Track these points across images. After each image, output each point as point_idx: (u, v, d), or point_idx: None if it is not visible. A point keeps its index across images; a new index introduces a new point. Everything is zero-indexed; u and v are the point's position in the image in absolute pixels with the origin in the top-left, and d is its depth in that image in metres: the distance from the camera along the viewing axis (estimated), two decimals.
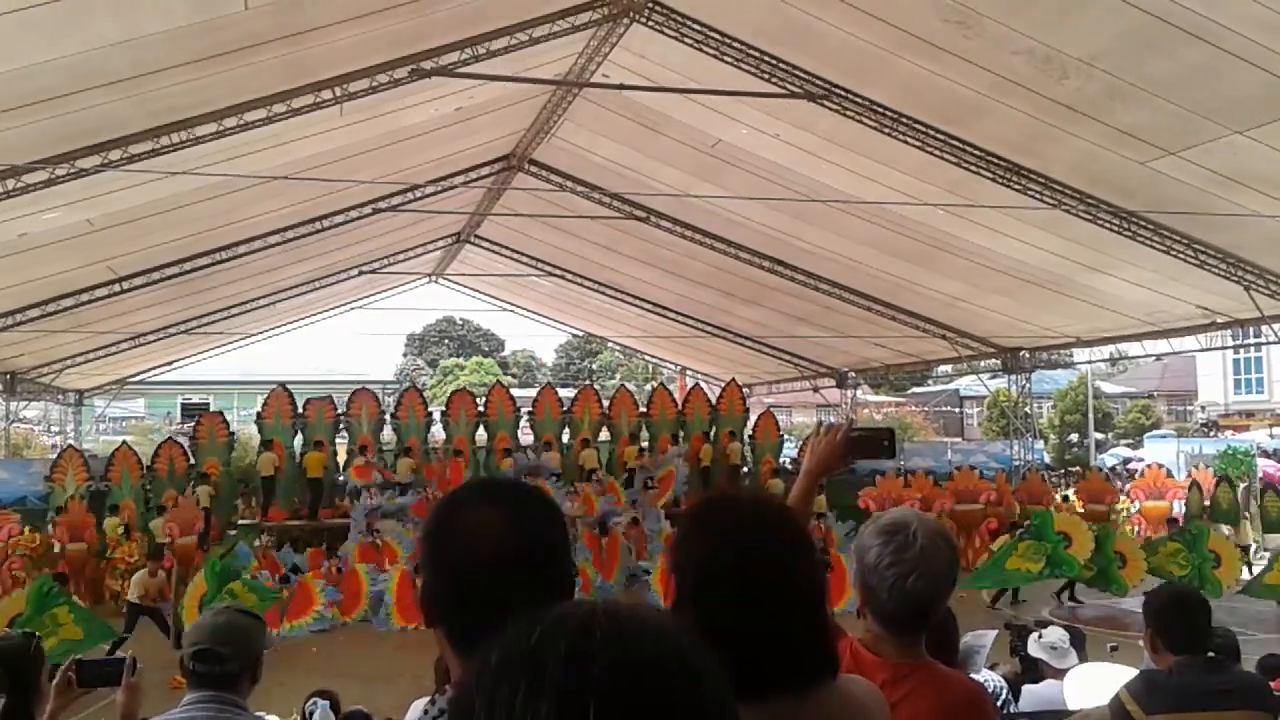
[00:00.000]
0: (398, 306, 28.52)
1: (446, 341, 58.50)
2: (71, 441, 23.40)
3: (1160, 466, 21.97)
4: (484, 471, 18.86)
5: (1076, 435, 39.43)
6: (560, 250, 21.24)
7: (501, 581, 1.28)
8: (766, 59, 11.74)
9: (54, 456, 19.68)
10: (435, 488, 16.80)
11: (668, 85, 12.66)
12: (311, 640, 13.28)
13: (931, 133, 12.29)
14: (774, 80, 11.94)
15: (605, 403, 21.39)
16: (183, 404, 42.04)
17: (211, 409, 27.48)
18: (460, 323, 57.59)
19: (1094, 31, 9.45)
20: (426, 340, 58.31)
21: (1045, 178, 12.63)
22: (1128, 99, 10.21)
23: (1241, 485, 20.14)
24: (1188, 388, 44.57)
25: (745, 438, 21.62)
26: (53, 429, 28.08)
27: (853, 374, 26.61)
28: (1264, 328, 15.30)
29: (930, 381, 35.81)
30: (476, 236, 22.00)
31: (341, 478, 18.46)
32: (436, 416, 20.59)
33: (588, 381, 39.17)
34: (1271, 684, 3.71)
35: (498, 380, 29.11)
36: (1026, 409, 23.30)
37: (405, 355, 57.70)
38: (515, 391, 24.00)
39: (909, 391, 46.18)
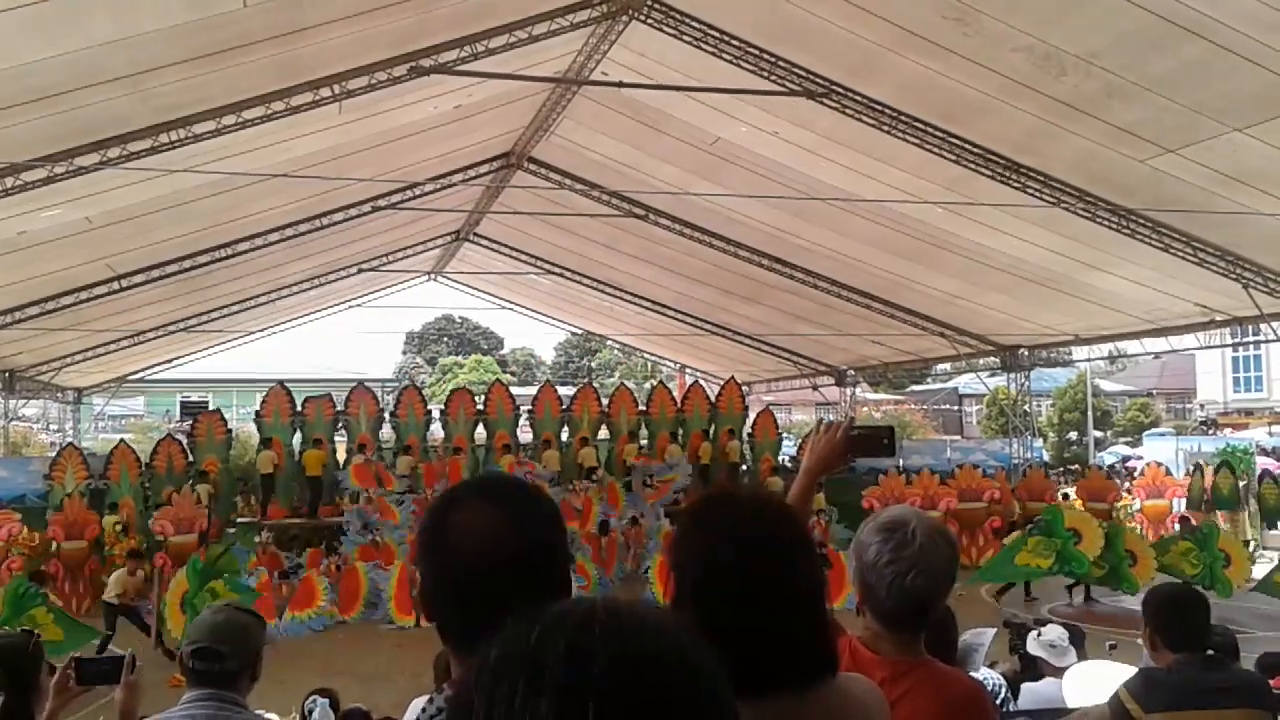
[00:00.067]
0: (397, 304, 28.56)
1: (445, 339, 58.49)
2: (70, 440, 23.40)
3: (1159, 465, 21.99)
4: (483, 469, 18.85)
5: (1075, 433, 39.45)
6: (559, 248, 21.23)
7: (496, 581, 1.28)
8: (766, 56, 11.74)
9: (53, 455, 19.66)
10: (433, 491, 16.78)
11: (667, 83, 12.65)
12: (312, 638, 13.29)
13: (930, 130, 12.28)
14: (773, 78, 11.93)
15: (604, 401, 21.43)
16: (182, 402, 42.00)
17: (210, 407, 27.45)
18: (459, 321, 57.57)
19: (1093, 29, 9.45)
20: (425, 338, 58.32)
21: (1044, 175, 12.63)
22: (1127, 96, 10.20)
23: (1241, 483, 20.15)
24: (1186, 386, 44.57)
25: (744, 436, 21.65)
26: (51, 427, 28.05)
27: (852, 372, 26.62)
28: (1263, 326, 15.28)
29: (929, 379, 35.83)
30: (475, 234, 21.99)
31: (341, 476, 18.47)
32: (435, 415, 20.60)
33: (587, 379, 39.14)
34: (1270, 682, 3.71)
35: (497, 378, 29.13)
36: (1025, 407, 23.31)
37: (404, 353, 57.71)
38: (514, 390, 24.02)
39: (908, 389, 46.17)
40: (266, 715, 4.11)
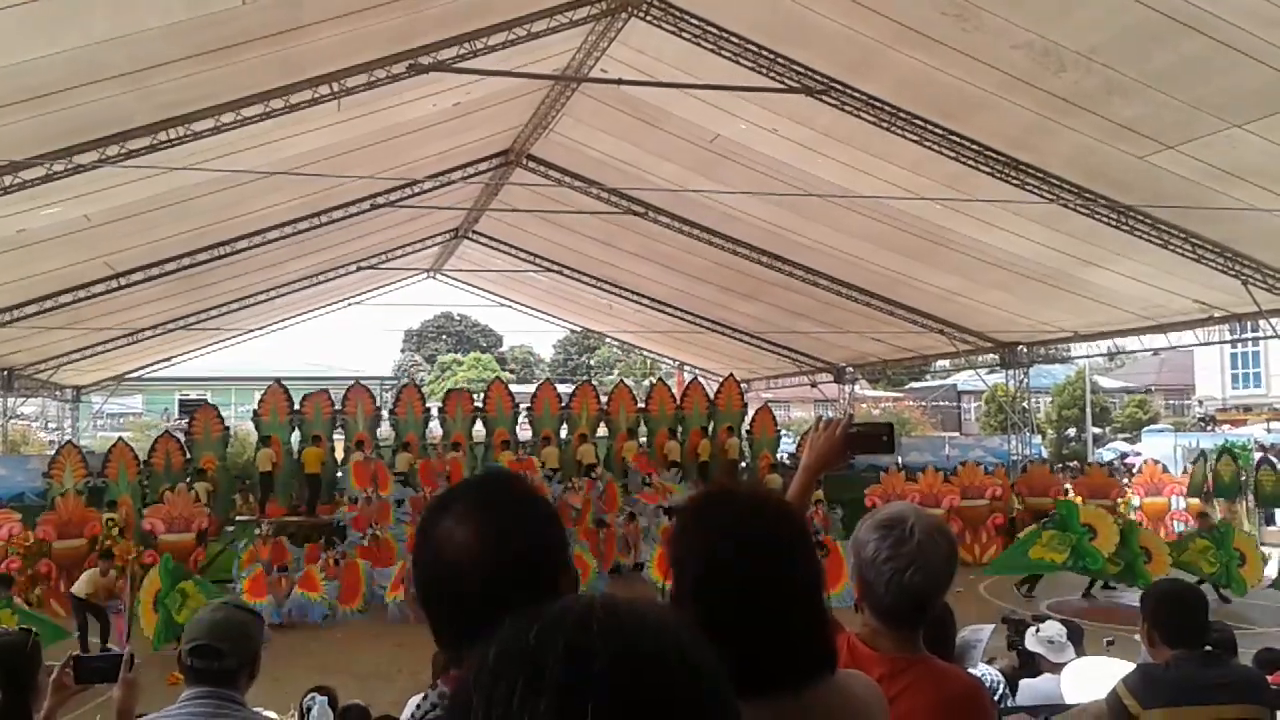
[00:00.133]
0: (396, 302, 28.53)
1: (444, 337, 58.49)
2: (69, 438, 23.39)
3: (1156, 463, 22.01)
4: (481, 467, 18.86)
5: (1074, 430, 39.49)
6: (558, 245, 21.23)
7: (485, 589, 1.27)
8: (764, 53, 11.73)
9: (52, 453, 19.65)
10: (430, 490, 16.76)
11: (666, 80, 12.63)
12: (310, 638, 13.29)
13: (929, 127, 12.28)
14: (772, 75, 11.93)
15: (603, 398, 21.44)
16: (180, 400, 42.02)
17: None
18: (458, 318, 57.57)
19: (1094, 24, 9.43)
20: (424, 336, 58.32)
21: (1043, 172, 12.63)
22: (1127, 92, 10.20)
23: (1241, 477, 20.17)
24: (1185, 382, 44.61)
25: (743, 433, 21.66)
26: (50, 425, 28.05)
27: (850, 369, 26.63)
28: (1261, 322, 15.28)
29: (928, 376, 35.75)
30: (475, 232, 21.99)
31: (340, 474, 18.46)
32: (434, 413, 20.60)
33: (586, 377, 39.19)
34: (1269, 678, 3.72)
35: (496, 376, 29.16)
36: (1024, 404, 23.32)
37: (403, 351, 57.73)
38: (513, 387, 24.03)
39: (907, 386, 46.22)
40: (265, 713, 4.10)
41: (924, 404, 41.74)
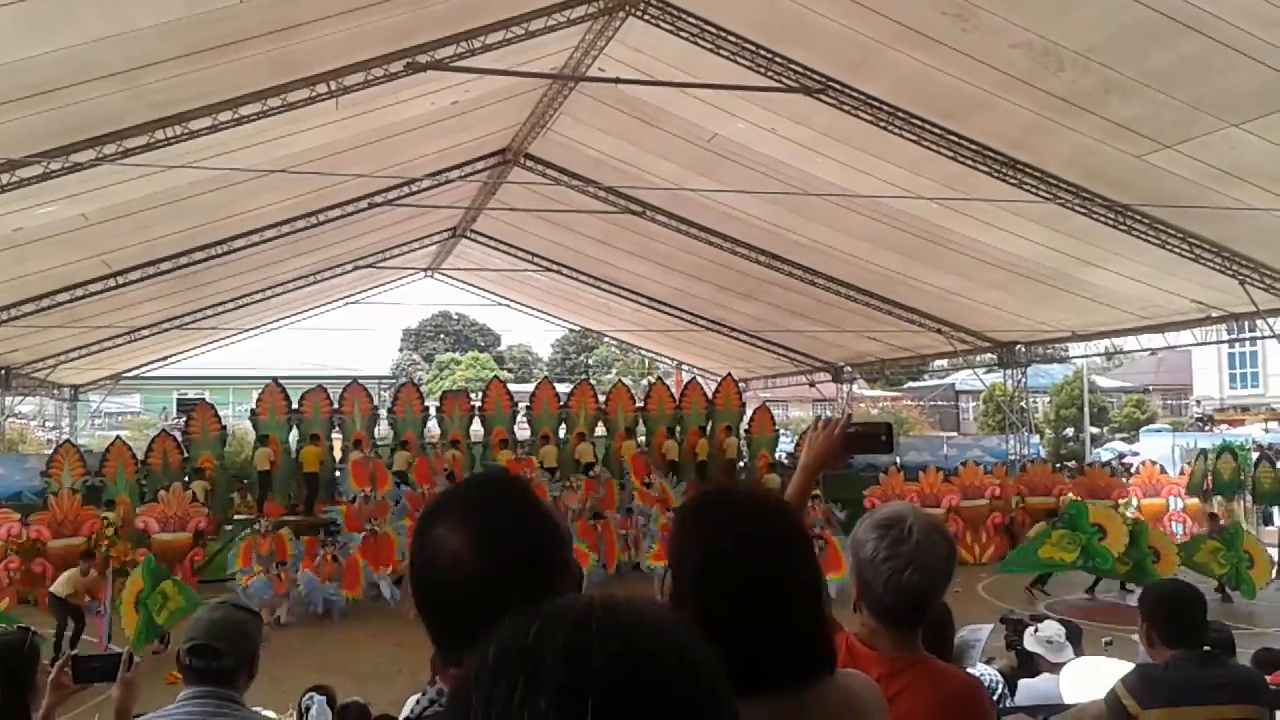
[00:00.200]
0: (394, 301, 28.52)
1: (442, 336, 58.46)
2: (67, 437, 23.37)
3: (1154, 463, 22.02)
4: (480, 466, 18.85)
5: (1072, 430, 39.51)
6: (556, 244, 21.23)
7: (477, 596, 1.26)
8: (763, 53, 11.73)
9: (50, 452, 19.63)
10: (428, 488, 16.77)
11: (664, 79, 12.63)
12: (309, 637, 13.29)
13: (927, 127, 12.29)
14: (770, 74, 11.93)
15: (602, 397, 21.43)
16: (178, 399, 41.97)
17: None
18: (456, 317, 57.54)
19: (1092, 24, 9.44)
20: (422, 335, 58.29)
21: (1041, 171, 12.64)
22: (1125, 92, 10.21)
23: (1240, 477, 20.18)
24: (1183, 382, 44.64)
25: (741, 432, 21.66)
26: (48, 424, 28.02)
27: (848, 368, 26.64)
28: (1259, 322, 15.30)
29: (926, 376, 35.74)
30: (472, 231, 21.98)
31: (338, 473, 18.43)
32: (432, 411, 20.59)
33: (584, 376, 39.14)
34: (1268, 678, 3.72)
35: (494, 375, 29.14)
36: (1022, 403, 23.34)
37: (401, 350, 57.68)
38: (512, 386, 24.00)
39: (905, 386, 46.19)
40: (263, 713, 4.10)
41: (922, 404, 41.76)
